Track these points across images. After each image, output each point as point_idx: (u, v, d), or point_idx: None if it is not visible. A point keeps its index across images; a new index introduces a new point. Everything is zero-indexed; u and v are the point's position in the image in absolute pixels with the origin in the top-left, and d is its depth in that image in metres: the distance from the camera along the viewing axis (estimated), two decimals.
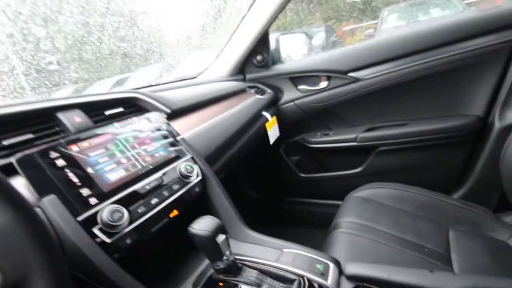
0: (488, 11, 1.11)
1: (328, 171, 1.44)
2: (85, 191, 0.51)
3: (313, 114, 1.40)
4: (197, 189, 0.70)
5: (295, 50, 1.54)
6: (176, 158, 0.70)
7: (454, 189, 1.25)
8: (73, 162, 0.53)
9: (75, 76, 1.03)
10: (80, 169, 0.53)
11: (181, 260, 0.66)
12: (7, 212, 0.31)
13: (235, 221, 0.71)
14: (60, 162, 0.52)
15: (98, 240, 0.49)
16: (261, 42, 1.34)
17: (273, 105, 1.40)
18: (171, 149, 0.71)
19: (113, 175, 0.56)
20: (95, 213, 0.50)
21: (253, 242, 0.68)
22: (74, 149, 0.55)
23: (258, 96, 1.28)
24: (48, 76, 0.94)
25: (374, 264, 0.61)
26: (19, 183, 0.47)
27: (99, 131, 0.61)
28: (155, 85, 1.04)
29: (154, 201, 0.59)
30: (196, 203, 0.70)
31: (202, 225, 0.56)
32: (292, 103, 1.40)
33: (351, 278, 0.59)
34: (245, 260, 0.63)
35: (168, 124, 0.76)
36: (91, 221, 0.49)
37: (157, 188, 0.61)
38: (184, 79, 1.31)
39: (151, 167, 0.64)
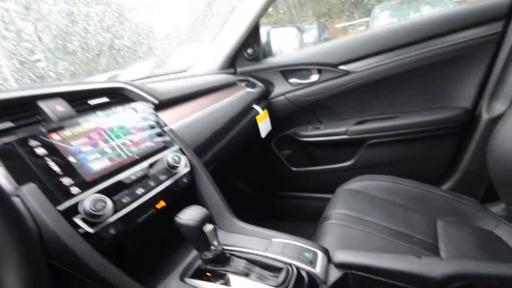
0: (476, 3, 1.11)
1: (319, 165, 1.44)
2: (66, 180, 0.50)
3: (304, 108, 1.40)
4: (185, 180, 0.69)
5: (286, 44, 1.53)
6: (163, 148, 0.69)
7: (443, 180, 1.26)
8: (54, 151, 0.51)
9: (60, 68, 1.00)
10: (62, 158, 0.52)
11: (168, 251, 0.65)
12: None
13: (224, 212, 0.70)
14: (40, 151, 0.50)
15: (80, 230, 0.47)
16: (252, 35, 1.33)
17: (264, 98, 1.39)
18: (158, 139, 0.69)
19: (97, 164, 0.55)
20: (77, 203, 0.48)
21: (242, 232, 0.68)
22: (55, 137, 0.53)
23: (249, 90, 1.27)
24: (32, 67, 0.92)
25: (362, 251, 0.61)
26: None
27: (81, 120, 0.60)
28: (143, 78, 1.02)
29: (139, 191, 0.58)
30: (184, 194, 0.69)
31: (189, 215, 0.55)
32: (283, 97, 1.40)
33: (340, 266, 0.59)
34: (234, 251, 0.62)
35: (155, 114, 0.75)
36: (73, 210, 0.47)
37: (143, 178, 0.60)
38: (174, 73, 1.30)
39: (137, 157, 0.62)
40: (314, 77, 1.34)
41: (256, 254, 0.60)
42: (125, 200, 0.54)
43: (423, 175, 1.22)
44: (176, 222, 0.55)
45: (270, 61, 1.42)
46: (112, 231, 0.51)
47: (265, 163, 1.53)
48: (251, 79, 1.37)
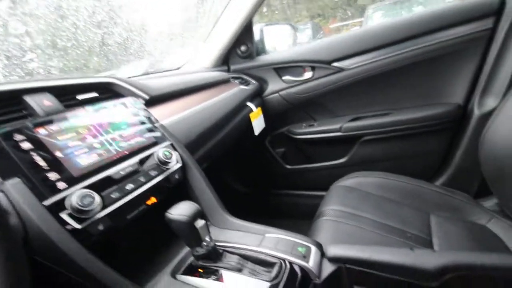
0: (467, 1, 1.12)
1: (314, 162, 1.44)
2: (52, 175, 0.48)
3: (298, 105, 1.40)
4: (176, 176, 0.68)
5: (280, 42, 1.53)
6: (154, 144, 0.67)
7: (436, 176, 1.27)
8: (40, 146, 0.50)
9: (49, 64, 0.98)
10: (48, 152, 0.50)
11: (160, 248, 0.64)
12: None
13: (216, 208, 0.69)
14: (26, 145, 0.49)
15: (68, 226, 0.46)
16: (245, 32, 1.33)
17: (258, 96, 1.38)
18: (149, 135, 0.68)
19: (84, 159, 0.54)
20: (64, 198, 0.47)
21: (235, 228, 0.67)
22: (41, 132, 0.52)
23: (243, 87, 1.26)
24: (20, 63, 0.90)
25: (355, 245, 0.61)
26: None
27: (69, 114, 0.58)
28: (134, 77, 1.01)
29: (129, 187, 0.56)
30: (176, 191, 0.68)
31: (179, 210, 0.54)
32: (277, 94, 1.39)
33: (333, 260, 0.59)
34: (226, 246, 0.61)
35: (146, 110, 0.74)
36: (59, 206, 0.46)
37: (133, 174, 0.59)
38: (166, 71, 1.28)
39: (126, 152, 0.61)
40: (308, 75, 1.34)
41: (249, 250, 0.59)
42: (114, 195, 0.53)
43: (416, 171, 1.23)
44: (167, 217, 0.54)
45: (263, 59, 1.41)
46: (100, 227, 0.50)
47: (259, 161, 1.53)
48: (245, 77, 1.37)
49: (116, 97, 0.72)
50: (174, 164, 0.67)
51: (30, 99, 0.57)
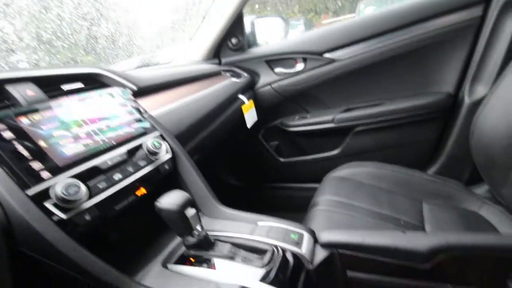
0: None
1: (307, 155, 1.44)
2: (36, 165, 0.47)
3: (291, 98, 1.39)
4: (166, 167, 0.66)
5: (271, 35, 1.51)
6: (143, 134, 0.66)
7: (429, 165, 1.28)
8: (22, 135, 0.49)
9: (35, 58, 0.96)
10: (31, 142, 0.49)
11: (151, 239, 0.63)
12: None
13: (208, 198, 0.68)
14: (7, 134, 0.47)
15: (55, 217, 0.45)
16: (236, 24, 1.31)
17: (250, 89, 1.37)
18: (137, 125, 0.67)
19: (70, 149, 0.52)
20: (48, 188, 0.46)
21: (227, 218, 0.66)
22: (24, 121, 0.50)
23: (234, 79, 1.25)
24: (4, 56, 0.87)
25: (347, 230, 0.61)
26: None
27: (54, 104, 0.57)
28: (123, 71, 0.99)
29: (117, 176, 0.55)
30: (167, 182, 0.67)
31: (169, 199, 0.53)
32: (269, 87, 1.39)
33: (326, 245, 0.58)
34: (218, 236, 0.61)
35: (134, 100, 0.72)
36: (43, 195, 0.45)
37: (121, 164, 0.58)
38: (156, 64, 1.26)
39: (114, 142, 0.60)
40: (300, 66, 1.34)
41: (241, 238, 0.59)
42: (101, 185, 0.52)
43: (409, 160, 1.24)
44: (156, 207, 0.53)
45: (255, 51, 1.40)
46: (87, 217, 0.48)
47: (252, 155, 1.52)
48: (236, 69, 1.35)
49: (103, 87, 0.70)
50: (164, 155, 0.66)
51: (12, 89, 0.56)
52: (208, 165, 1.06)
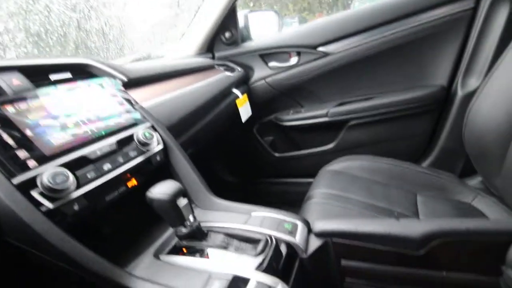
0: None
1: (302, 149, 1.43)
2: (22, 154, 0.46)
3: (285, 92, 1.38)
4: (158, 158, 0.65)
5: (265, 29, 1.51)
6: (133, 125, 0.65)
7: (423, 158, 1.28)
8: (7, 123, 0.47)
9: (23, 51, 0.94)
10: (17, 130, 0.48)
11: (143, 231, 0.62)
12: None
13: (201, 189, 0.67)
14: None
15: (43, 208, 0.44)
16: (229, 18, 1.30)
17: (244, 83, 1.36)
18: (127, 116, 0.66)
19: (57, 139, 0.51)
20: (35, 177, 0.45)
21: (220, 209, 0.65)
22: (9, 110, 0.49)
23: (228, 73, 1.24)
24: None
25: (341, 219, 0.60)
26: None
27: (40, 93, 0.55)
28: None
29: (106, 167, 0.54)
30: (159, 173, 0.66)
31: (160, 189, 0.52)
32: (263, 81, 1.38)
33: (319, 234, 0.58)
34: (211, 227, 0.60)
35: (124, 91, 0.71)
36: (30, 184, 0.44)
37: (110, 154, 0.57)
38: (149, 58, 1.25)
39: (103, 133, 0.59)
40: (294, 60, 1.33)
41: (235, 228, 0.58)
42: (89, 175, 0.51)
43: (403, 154, 1.24)
44: (148, 197, 0.52)
45: (248, 45, 1.39)
46: (75, 207, 0.47)
47: (247, 150, 1.51)
48: (230, 64, 1.34)
49: (92, 78, 0.69)
50: (155, 146, 0.65)
51: None
52: (203, 160, 1.05)
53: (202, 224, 0.58)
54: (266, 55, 1.37)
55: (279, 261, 0.52)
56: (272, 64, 1.37)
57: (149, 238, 0.60)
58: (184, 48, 1.32)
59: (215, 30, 1.31)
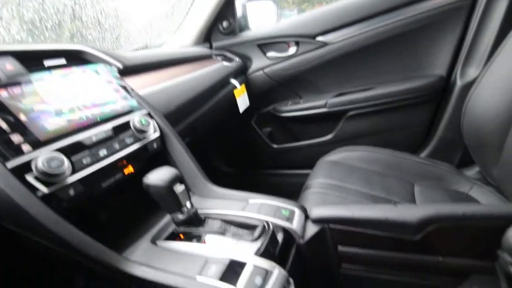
0: None
1: (300, 140, 1.43)
2: (16, 138, 0.45)
3: (283, 82, 1.37)
4: (154, 145, 0.65)
5: (263, 18, 1.48)
6: (129, 112, 0.64)
7: (421, 148, 1.28)
8: (0, 108, 0.47)
9: (17, 39, 0.92)
10: (10, 115, 0.47)
11: (141, 218, 0.62)
12: None
13: (198, 177, 0.67)
14: None
15: (38, 193, 0.43)
16: (227, 7, 1.28)
17: (242, 74, 1.35)
18: (124, 102, 0.65)
19: (51, 124, 0.51)
20: (30, 161, 0.44)
21: (217, 197, 0.65)
22: (2, 94, 0.48)
23: (225, 63, 1.23)
24: None
25: (338, 205, 0.60)
26: None
27: (34, 78, 0.54)
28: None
29: (102, 153, 0.54)
30: (155, 161, 0.66)
31: (157, 175, 0.52)
32: (261, 72, 1.36)
33: (316, 221, 0.58)
34: (209, 213, 0.60)
35: (120, 78, 0.70)
36: (24, 168, 0.43)
37: (106, 140, 0.56)
38: (147, 48, 1.23)
39: (98, 119, 0.58)
40: (292, 50, 1.32)
41: (232, 215, 0.58)
42: (85, 161, 0.50)
43: (401, 144, 1.24)
44: (144, 183, 0.52)
45: (246, 35, 1.38)
46: (71, 192, 0.47)
47: (245, 141, 1.51)
48: (228, 54, 1.33)
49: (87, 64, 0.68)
50: (152, 133, 0.65)
51: None
52: (200, 150, 1.04)
53: (199, 211, 0.58)
54: (264, 45, 1.35)
55: (276, 247, 0.52)
56: (270, 54, 1.36)
57: (146, 224, 0.60)
58: (182, 38, 1.30)
59: (213, 19, 1.29)
